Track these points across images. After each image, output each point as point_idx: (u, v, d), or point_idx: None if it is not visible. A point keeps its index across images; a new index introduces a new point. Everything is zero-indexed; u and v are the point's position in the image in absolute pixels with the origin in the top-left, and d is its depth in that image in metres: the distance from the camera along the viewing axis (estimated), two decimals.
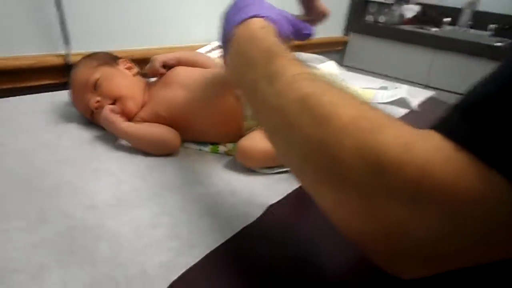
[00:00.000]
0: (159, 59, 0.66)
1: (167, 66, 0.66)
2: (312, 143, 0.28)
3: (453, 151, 0.23)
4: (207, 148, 0.61)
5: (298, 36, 0.47)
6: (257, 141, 0.54)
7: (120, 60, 0.69)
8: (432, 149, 0.23)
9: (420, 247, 0.25)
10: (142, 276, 0.35)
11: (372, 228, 0.26)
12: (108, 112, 0.58)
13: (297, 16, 0.47)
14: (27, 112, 0.67)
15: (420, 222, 0.24)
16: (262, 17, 0.40)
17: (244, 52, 0.38)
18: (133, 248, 0.38)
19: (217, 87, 0.60)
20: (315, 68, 1.13)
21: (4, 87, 0.78)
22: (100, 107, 0.60)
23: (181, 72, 0.65)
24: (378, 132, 0.25)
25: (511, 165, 0.21)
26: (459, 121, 0.24)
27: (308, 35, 0.47)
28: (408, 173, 0.23)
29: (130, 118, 0.61)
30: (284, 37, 0.41)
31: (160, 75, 0.66)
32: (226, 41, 0.41)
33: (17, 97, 0.73)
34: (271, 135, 0.34)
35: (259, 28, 0.39)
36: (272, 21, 0.40)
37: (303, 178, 0.31)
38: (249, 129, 0.59)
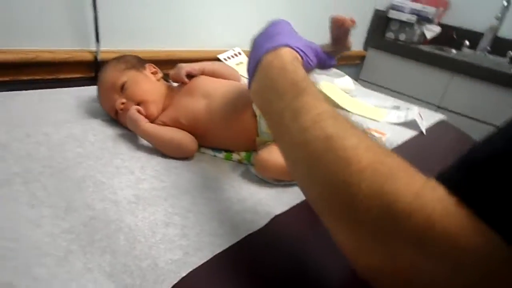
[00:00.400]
0: (184, 69, 0.70)
1: (191, 76, 0.71)
2: (332, 182, 0.31)
3: (456, 205, 0.25)
4: (221, 155, 0.65)
5: (321, 67, 0.50)
6: (277, 155, 0.57)
7: (147, 64, 0.73)
8: (438, 201, 0.26)
9: (423, 286, 0.27)
10: (154, 269, 0.39)
11: (381, 265, 0.29)
12: (134, 112, 0.63)
13: (321, 46, 0.50)
14: (58, 105, 0.72)
15: (425, 265, 0.26)
16: (292, 47, 0.43)
17: (272, 81, 0.40)
18: (148, 243, 0.42)
19: (236, 101, 0.64)
20: (332, 84, 1.16)
21: (38, 77, 0.84)
22: (125, 109, 0.65)
23: (204, 82, 0.69)
24: (392, 179, 0.28)
25: (510, 227, 0.23)
26: (463, 176, 0.27)
27: (330, 66, 0.51)
28: (416, 220, 0.26)
29: (151, 121, 0.66)
30: (308, 68, 0.45)
31: (183, 83, 0.71)
32: (254, 65, 0.44)
33: (50, 89, 0.78)
34: (292, 166, 0.38)
35: (289, 60, 0.41)
36: (301, 52, 0.44)
37: (319, 210, 0.34)
38: (262, 143, 0.63)
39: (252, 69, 0.45)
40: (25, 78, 0.82)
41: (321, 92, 0.38)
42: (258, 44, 0.46)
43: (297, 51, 0.44)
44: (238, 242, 0.45)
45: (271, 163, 0.57)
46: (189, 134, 0.63)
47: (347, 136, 0.32)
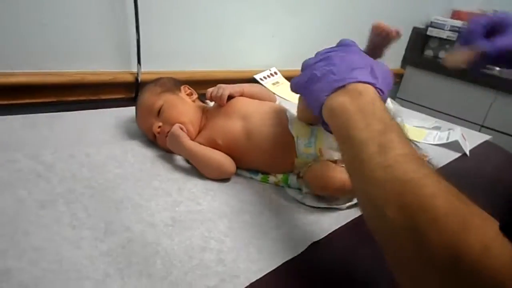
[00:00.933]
0: (227, 89, 0.70)
1: (230, 97, 0.71)
2: (405, 226, 0.31)
3: None
4: (258, 177, 0.64)
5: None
6: (331, 170, 0.57)
7: (182, 86, 0.75)
8: (509, 256, 0.25)
9: None
10: None
11: None
12: (177, 128, 0.64)
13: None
14: (100, 126, 0.75)
15: None
16: (376, 88, 0.44)
17: (360, 109, 0.41)
18: (184, 268, 0.42)
19: (273, 122, 0.64)
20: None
21: (83, 98, 0.87)
22: (162, 132, 0.66)
23: (241, 103, 0.69)
24: (463, 231, 0.28)
25: None
26: None
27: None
28: (483, 277, 0.25)
29: None
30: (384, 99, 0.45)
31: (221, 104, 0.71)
32: (333, 84, 0.44)
33: (92, 110, 0.81)
34: (363, 198, 0.38)
35: (377, 98, 0.42)
36: (382, 94, 0.44)
37: (386, 249, 0.34)
38: (300, 164, 0.62)
39: (329, 85, 0.45)
40: (70, 99, 0.86)
41: (406, 134, 0.39)
42: (348, 63, 0.46)
43: (379, 92, 0.44)
44: (274, 270, 0.44)
45: (328, 178, 0.57)
46: (228, 156, 0.63)
47: (428, 182, 0.32)
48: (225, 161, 0.62)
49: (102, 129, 0.74)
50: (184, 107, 0.70)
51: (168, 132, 0.65)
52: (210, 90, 0.71)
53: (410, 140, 0.39)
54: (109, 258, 0.42)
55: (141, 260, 0.42)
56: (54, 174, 0.55)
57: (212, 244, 0.47)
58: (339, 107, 0.43)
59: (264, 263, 0.45)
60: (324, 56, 0.48)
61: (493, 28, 0.56)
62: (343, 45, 0.51)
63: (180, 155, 0.67)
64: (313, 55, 0.51)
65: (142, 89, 0.74)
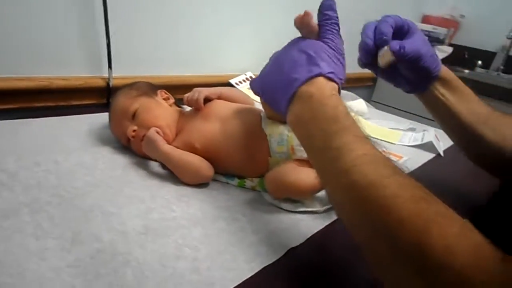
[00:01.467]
0: (202, 93, 0.69)
1: (207, 100, 0.70)
2: (374, 229, 0.32)
3: (497, 262, 0.25)
4: (234, 182, 0.63)
5: None
6: (287, 172, 0.56)
7: (158, 91, 0.73)
8: (472, 252, 0.26)
9: None
10: None
11: None
12: (154, 132, 0.62)
13: None
14: (69, 132, 0.72)
15: None
16: (329, 77, 0.42)
17: (313, 116, 0.40)
18: (157, 279, 0.40)
19: (248, 122, 0.63)
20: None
21: (51, 104, 0.84)
22: (137, 136, 0.64)
23: (218, 106, 0.69)
24: (426, 231, 0.28)
25: None
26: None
27: None
28: (449, 275, 0.26)
29: None
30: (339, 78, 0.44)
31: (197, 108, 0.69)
32: (291, 94, 0.42)
33: (61, 117, 0.78)
34: (336, 205, 0.38)
35: (328, 93, 0.41)
36: (338, 80, 0.43)
37: (365, 251, 0.34)
38: (275, 164, 0.61)
39: (277, 95, 0.44)
40: (38, 105, 0.82)
41: (362, 130, 0.38)
42: (283, 63, 0.45)
43: (335, 81, 0.43)
44: (250, 277, 0.43)
45: (280, 182, 0.56)
46: (205, 160, 0.61)
47: (388, 183, 0.32)
48: (202, 165, 0.61)
49: (71, 135, 0.71)
50: (160, 111, 0.68)
51: (143, 136, 0.63)
52: (186, 95, 0.70)
53: (368, 137, 0.39)
54: (76, 270, 0.39)
55: (111, 271, 0.40)
56: (17, 182, 0.52)
57: (186, 252, 0.45)
58: (296, 119, 0.43)
59: (240, 271, 0.43)
60: (270, 63, 0.48)
61: (398, 31, 0.55)
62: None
63: (155, 160, 0.65)
64: None
65: (115, 93, 0.71)
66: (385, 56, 0.53)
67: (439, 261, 0.26)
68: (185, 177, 0.60)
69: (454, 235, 0.28)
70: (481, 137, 0.62)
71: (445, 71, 0.61)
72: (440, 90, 0.61)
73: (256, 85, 0.50)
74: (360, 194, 0.33)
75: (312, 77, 0.42)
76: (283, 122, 0.60)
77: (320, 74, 0.42)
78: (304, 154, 0.58)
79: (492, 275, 0.25)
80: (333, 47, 0.45)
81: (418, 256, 0.27)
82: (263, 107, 0.61)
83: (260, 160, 0.62)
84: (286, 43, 0.49)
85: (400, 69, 0.60)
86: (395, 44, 0.52)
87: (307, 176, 0.54)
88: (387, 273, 0.32)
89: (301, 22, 0.47)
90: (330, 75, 0.42)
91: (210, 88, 0.71)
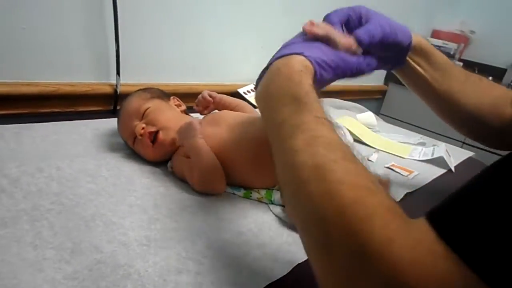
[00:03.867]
0: (205, 91, 0.72)
1: (214, 99, 0.72)
2: (313, 213, 0.31)
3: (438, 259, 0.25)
4: (240, 193, 0.61)
5: (354, 74, 0.48)
6: None
7: (171, 97, 0.74)
8: (410, 247, 0.25)
9: None
10: None
11: None
12: (197, 123, 0.62)
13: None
14: (73, 138, 0.71)
15: None
16: (306, 56, 0.41)
17: (276, 89, 0.39)
18: None
19: (257, 133, 0.61)
20: (355, 120, 1.13)
21: (58, 110, 0.83)
22: (145, 134, 0.63)
23: (228, 114, 0.69)
24: (368, 221, 0.27)
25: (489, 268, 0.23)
26: (445, 216, 0.27)
27: (368, 70, 0.49)
28: (384, 266, 0.25)
29: (168, 148, 0.65)
30: (321, 81, 0.43)
31: (208, 111, 0.71)
32: (265, 70, 0.43)
33: (66, 122, 0.77)
34: (281, 184, 0.37)
35: (296, 69, 0.40)
36: (314, 62, 0.41)
37: (301, 237, 0.34)
38: None
39: (262, 73, 0.44)
40: (44, 110, 0.82)
41: (322, 110, 0.37)
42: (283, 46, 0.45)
43: (310, 61, 0.41)
44: None
45: None
46: (223, 172, 0.60)
47: (336, 168, 0.31)
48: (222, 178, 0.60)
49: (75, 141, 0.70)
50: (171, 113, 0.68)
51: (151, 133, 0.63)
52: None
53: (328, 118, 0.37)
54: (74, 282, 0.38)
55: (110, 284, 0.38)
56: (19, 189, 0.51)
57: (189, 265, 0.43)
58: (261, 93, 0.42)
59: (245, 286, 0.41)
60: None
61: (350, 23, 0.52)
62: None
63: (183, 147, 0.63)
64: None
65: (125, 98, 0.71)
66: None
67: (377, 251, 0.26)
68: (200, 178, 0.58)
69: (395, 228, 0.27)
70: (458, 105, 0.61)
71: (417, 40, 0.58)
72: (415, 59, 0.60)
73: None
74: (305, 175, 0.32)
75: (288, 54, 0.41)
76: None
77: (297, 53, 0.41)
78: None
79: (430, 272, 0.24)
80: (343, 58, 0.44)
81: (356, 244, 0.27)
82: None
83: (267, 170, 0.60)
84: None
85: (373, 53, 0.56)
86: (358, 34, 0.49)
87: None
88: (320, 260, 0.30)
89: (309, 33, 0.46)
90: (310, 58, 0.41)
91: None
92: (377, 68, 0.59)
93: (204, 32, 1.08)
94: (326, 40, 0.45)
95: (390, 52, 0.56)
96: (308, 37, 0.46)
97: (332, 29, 0.46)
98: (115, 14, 0.83)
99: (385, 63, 0.59)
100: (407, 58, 0.59)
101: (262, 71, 0.44)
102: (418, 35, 0.58)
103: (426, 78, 0.61)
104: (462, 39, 2.18)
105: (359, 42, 0.48)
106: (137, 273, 0.40)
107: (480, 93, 0.62)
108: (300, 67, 0.40)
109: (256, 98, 0.43)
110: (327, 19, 0.50)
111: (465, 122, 0.65)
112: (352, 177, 0.31)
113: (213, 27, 1.09)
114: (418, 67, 0.60)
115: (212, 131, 0.64)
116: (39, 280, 0.37)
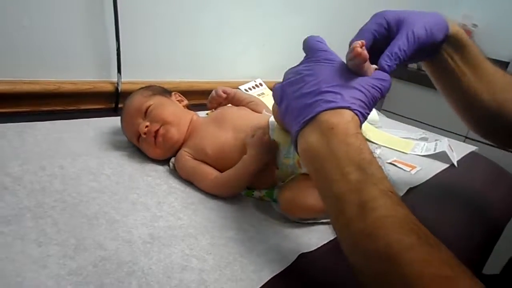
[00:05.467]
0: (220, 87, 0.71)
1: (227, 96, 0.71)
2: None
3: None
4: (242, 192, 0.61)
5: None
6: (304, 194, 0.53)
7: (173, 93, 0.74)
8: None
9: None
10: None
11: None
12: (266, 138, 0.58)
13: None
14: (76, 136, 0.71)
15: None
16: (352, 110, 0.39)
17: (333, 153, 0.37)
18: None
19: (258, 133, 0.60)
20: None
21: (59, 108, 0.83)
22: (149, 132, 0.63)
23: (233, 112, 0.68)
24: None
25: None
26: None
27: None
28: None
29: (171, 143, 0.64)
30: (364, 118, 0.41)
31: (216, 107, 0.71)
32: (305, 118, 0.40)
33: (68, 120, 0.77)
34: (352, 260, 0.35)
35: (352, 132, 0.38)
36: (361, 115, 0.40)
37: None
38: (282, 176, 0.59)
39: (299, 118, 0.40)
40: (46, 109, 0.81)
41: (386, 180, 0.35)
42: (318, 78, 0.41)
43: (357, 114, 0.39)
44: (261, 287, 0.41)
45: (298, 204, 0.53)
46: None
47: (411, 259, 0.30)
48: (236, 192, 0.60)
49: (77, 140, 0.69)
50: (173, 108, 0.68)
51: (156, 131, 0.63)
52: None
53: (392, 191, 0.35)
54: (78, 278, 0.38)
55: (115, 280, 0.38)
56: (22, 187, 0.51)
57: (193, 262, 0.43)
58: (310, 150, 0.39)
59: (249, 281, 0.41)
60: (292, 76, 0.43)
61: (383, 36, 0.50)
62: (310, 51, 0.46)
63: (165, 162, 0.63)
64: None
65: (126, 96, 0.71)
66: None
67: None
68: (216, 193, 0.59)
69: None
70: (481, 101, 0.58)
71: (454, 31, 0.54)
72: (448, 51, 0.56)
73: (277, 92, 0.46)
74: (380, 266, 0.31)
75: (338, 107, 0.39)
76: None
77: (348, 108, 0.39)
78: None
79: None
80: (376, 86, 0.42)
81: None
82: (273, 112, 0.59)
83: (267, 170, 0.59)
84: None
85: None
86: (383, 63, 0.47)
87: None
88: None
89: (355, 56, 0.42)
90: (357, 112, 0.39)
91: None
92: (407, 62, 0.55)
93: (205, 29, 1.07)
94: (360, 69, 0.42)
95: (424, 53, 0.54)
96: (338, 65, 0.43)
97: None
98: (115, 12, 0.83)
99: (413, 59, 0.55)
100: (441, 49, 0.56)
101: (302, 119, 0.40)
102: (455, 24, 0.55)
103: (455, 72, 0.57)
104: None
105: (384, 69, 0.46)
106: (141, 270, 0.40)
107: (506, 89, 0.59)
108: (355, 127, 0.38)
109: (302, 152, 0.40)
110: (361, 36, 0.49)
111: (485, 121, 0.62)
112: (431, 268, 0.29)
113: (214, 24, 1.09)
114: (449, 59, 0.56)
115: (215, 132, 0.63)
116: (43, 276, 0.37)
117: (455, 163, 0.95)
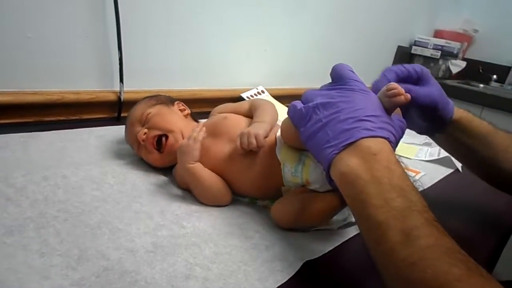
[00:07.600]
0: (259, 134, 0.58)
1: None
2: None
3: None
4: (246, 199, 0.61)
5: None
6: (290, 205, 0.53)
7: (176, 102, 0.74)
8: None
9: None
10: None
11: None
12: (188, 145, 0.58)
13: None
14: (78, 146, 0.71)
15: None
16: (389, 141, 0.40)
17: (376, 179, 0.37)
18: None
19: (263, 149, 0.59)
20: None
21: (62, 118, 0.83)
22: (147, 139, 0.63)
23: (231, 123, 0.64)
24: None
25: None
26: None
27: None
28: None
29: (168, 150, 0.63)
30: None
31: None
32: (339, 137, 0.40)
33: (71, 130, 0.77)
34: (390, 283, 0.34)
35: (394, 160, 0.38)
36: (393, 146, 0.41)
37: None
38: (287, 191, 0.58)
39: (336, 141, 0.40)
40: (49, 119, 0.82)
41: (428, 209, 0.35)
42: (357, 105, 0.41)
43: (391, 144, 0.40)
44: None
45: (284, 214, 0.54)
46: (227, 186, 0.59)
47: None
48: (225, 195, 0.59)
49: (80, 149, 0.70)
50: (171, 117, 0.68)
51: (153, 137, 0.63)
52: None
53: (435, 219, 0.35)
54: None
55: None
56: (25, 197, 0.51)
57: (197, 271, 0.43)
58: (350, 174, 0.38)
59: None
60: (325, 100, 0.43)
61: (407, 79, 0.53)
62: (342, 78, 0.45)
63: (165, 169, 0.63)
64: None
65: (131, 103, 0.72)
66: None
67: None
68: (203, 200, 0.58)
69: None
70: (503, 170, 0.60)
71: (458, 115, 0.58)
72: (454, 132, 0.60)
73: (301, 112, 0.44)
74: None
75: (378, 136, 0.39)
76: (299, 148, 0.55)
77: (387, 139, 0.40)
78: (318, 186, 0.53)
79: None
80: (401, 127, 0.44)
81: None
82: (282, 129, 0.55)
83: (272, 187, 0.58)
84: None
85: (413, 117, 0.57)
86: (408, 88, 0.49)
87: (320, 207, 0.52)
88: None
89: (398, 96, 0.43)
90: (392, 145, 0.40)
91: (261, 125, 0.62)
92: (415, 130, 0.62)
93: (207, 38, 1.08)
94: (394, 108, 0.45)
95: (428, 122, 0.57)
96: (373, 97, 0.44)
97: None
98: (117, 22, 0.84)
99: (419, 127, 0.60)
100: (445, 130, 0.60)
101: (342, 143, 0.40)
102: (460, 110, 0.59)
103: (466, 146, 0.61)
104: (465, 38, 2.17)
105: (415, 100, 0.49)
106: (144, 280, 0.40)
107: None
108: (394, 157, 0.39)
109: (343, 175, 0.39)
110: (388, 73, 0.51)
111: (510, 185, 0.62)
112: None
113: (215, 33, 1.10)
114: (456, 138, 0.60)
115: (211, 144, 0.61)
116: (45, 287, 0.37)
117: (460, 168, 0.94)
